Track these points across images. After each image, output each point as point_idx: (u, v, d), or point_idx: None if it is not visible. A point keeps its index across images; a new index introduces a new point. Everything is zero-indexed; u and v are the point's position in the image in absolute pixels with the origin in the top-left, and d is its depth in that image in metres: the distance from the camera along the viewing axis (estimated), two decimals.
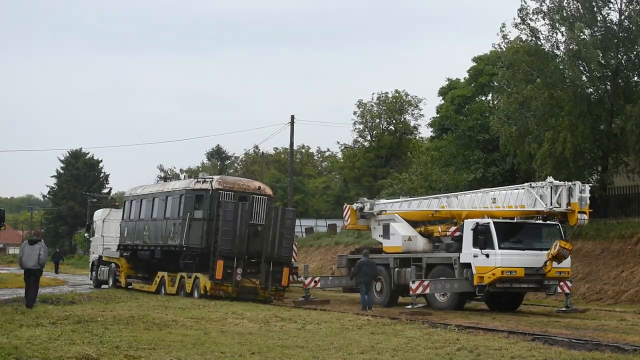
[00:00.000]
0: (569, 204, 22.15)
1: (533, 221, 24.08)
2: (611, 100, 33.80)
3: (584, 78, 33.35)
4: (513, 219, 24.05)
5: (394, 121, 68.32)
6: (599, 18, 33.67)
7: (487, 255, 22.78)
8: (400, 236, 26.62)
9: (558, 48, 34.64)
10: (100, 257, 36.73)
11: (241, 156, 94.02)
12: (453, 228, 25.32)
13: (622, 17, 33.47)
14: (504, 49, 36.59)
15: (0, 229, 24.26)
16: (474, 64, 48.59)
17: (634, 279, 28.79)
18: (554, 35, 34.68)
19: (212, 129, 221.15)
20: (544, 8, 34.38)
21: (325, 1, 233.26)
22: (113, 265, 34.71)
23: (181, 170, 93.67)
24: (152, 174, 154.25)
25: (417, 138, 67.21)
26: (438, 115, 50.63)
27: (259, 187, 29.44)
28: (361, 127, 68.95)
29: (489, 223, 23.04)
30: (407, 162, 55.22)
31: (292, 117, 53.32)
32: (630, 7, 33.11)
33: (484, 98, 46.76)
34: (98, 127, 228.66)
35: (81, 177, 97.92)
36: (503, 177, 39.07)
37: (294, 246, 30.69)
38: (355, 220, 29.14)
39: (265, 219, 26.83)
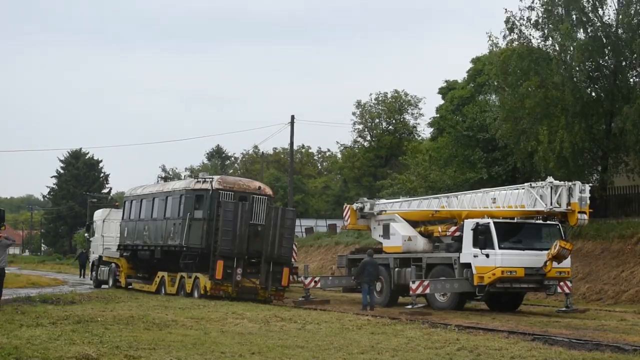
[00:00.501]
0: (569, 204, 22.15)
1: (533, 221, 24.09)
2: (609, 100, 33.81)
3: (574, 79, 33.28)
4: (513, 219, 24.06)
5: (393, 121, 68.36)
6: (594, 19, 33.67)
7: (487, 255, 22.78)
8: (400, 236, 26.61)
9: (553, 50, 34.60)
10: (100, 257, 36.74)
11: (241, 156, 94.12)
12: (453, 228, 25.32)
13: (619, 16, 33.47)
14: (497, 51, 36.62)
15: (0, 229, 24.22)
16: (472, 65, 48.61)
17: (634, 279, 28.79)
18: (547, 40, 34.74)
19: (212, 129, 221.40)
20: (534, 15, 34.46)
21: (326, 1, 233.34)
22: (113, 265, 34.71)
23: (185, 169, 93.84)
24: (153, 174, 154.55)
25: (416, 138, 67.24)
26: (438, 115, 50.66)
27: (259, 187, 29.44)
28: (361, 127, 69.04)
29: (489, 223, 23.04)
30: (406, 162, 55.20)
31: (292, 117, 53.47)
32: (626, 8, 33.05)
33: (483, 97, 46.72)
34: (98, 127, 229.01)
35: (81, 177, 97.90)
36: (506, 176, 39.04)
37: (294, 246, 30.68)
38: (355, 220, 29.14)
39: (265, 219, 26.83)
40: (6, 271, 22.41)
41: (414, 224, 27.36)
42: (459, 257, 23.72)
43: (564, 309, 23.65)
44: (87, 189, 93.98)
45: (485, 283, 22.83)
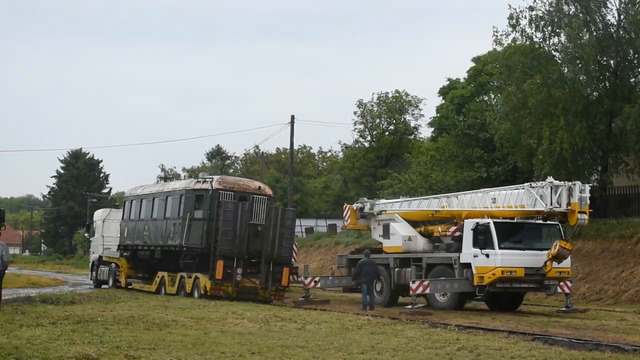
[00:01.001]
0: (569, 204, 22.15)
1: (533, 221, 24.08)
2: (610, 100, 33.81)
3: (581, 78, 33.31)
4: (513, 219, 24.05)
5: (394, 121, 68.34)
6: (597, 19, 33.68)
7: (487, 255, 22.78)
8: (400, 236, 26.61)
9: (556, 50, 34.63)
10: (100, 257, 36.72)
11: (241, 156, 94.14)
12: (453, 228, 25.31)
13: (621, 17, 33.48)
14: (501, 50, 36.61)
15: (0, 229, 24.22)
16: (474, 64, 48.63)
17: (634, 279, 28.80)
18: (551, 38, 34.74)
19: (212, 128, 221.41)
20: (537, 13, 34.43)
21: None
22: (113, 265, 34.70)
23: (184, 169, 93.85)
24: (152, 174, 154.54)
25: (417, 138, 67.26)
26: (438, 115, 50.68)
27: (259, 187, 29.43)
28: (361, 127, 69.02)
29: (489, 223, 23.04)
30: (407, 162, 55.22)
31: (292, 117, 53.48)
32: (629, 7, 33.06)
33: (484, 97, 46.78)
34: (98, 127, 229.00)
35: (81, 177, 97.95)
36: (505, 176, 39.02)
37: (294, 246, 30.68)
38: (355, 220, 29.13)
39: (265, 219, 26.83)
40: (6, 271, 22.36)
41: (414, 224, 27.35)
42: (459, 257, 23.71)
43: (564, 309, 23.65)
44: (87, 189, 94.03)
45: (485, 283, 22.83)
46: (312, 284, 27.75)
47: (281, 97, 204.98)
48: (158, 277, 30.30)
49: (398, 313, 22.02)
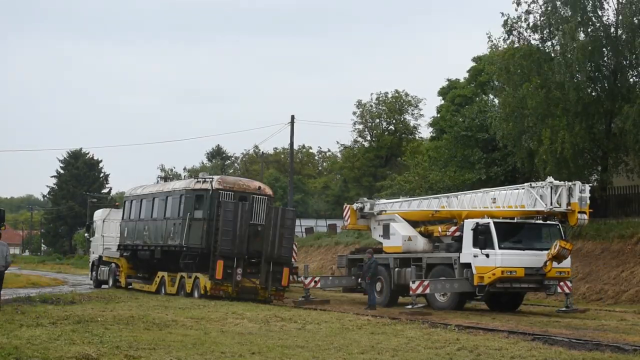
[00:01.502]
0: (569, 203, 22.15)
1: (533, 221, 24.08)
2: (609, 100, 33.81)
3: (578, 78, 33.29)
4: (513, 219, 24.05)
5: (393, 121, 68.35)
6: (594, 20, 33.69)
7: (487, 255, 22.78)
8: (400, 236, 26.61)
9: (554, 52, 34.60)
10: (100, 257, 36.72)
11: (241, 156, 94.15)
12: (453, 228, 25.31)
13: (618, 17, 33.48)
14: (499, 50, 36.66)
15: (0, 229, 24.22)
16: (474, 63, 48.62)
17: (634, 279, 28.80)
18: (549, 40, 34.74)
19: (212, 128, 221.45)
20: (531, 18, 34.52)
21: None
22: (113, 265, 34.71)
23: (184, 169, 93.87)
24: (152, 174, 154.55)
25: (416, 138, 67.25)
26: (438, 115, 50.65)
27: (259, 187, 29.43)
28: (361, 127, 69.03)
29: (489, 223, 23.04)
30: (405, 163, 55.20)
31: (292, 117, 53.54)
32: (626, 7, 33.04)
33: (484, 97, 46.78)
34: (98, 127, 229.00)
35: (81, 177, 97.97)
36: (505, 177, 39.03)
37: (294, 246, 30.68)
38: (355, 220, 29.14)
39: (265, 219, 26.83)
40: (6, 271, 22.34)
41: (414, 224, 27.35)
42: (459, 257, 23.71)
43: (564, 309, 23.65)
44: (87, 189, 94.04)
45: (485, 283, 22.82)
46: (312, 284, 27.77)
47: (281, 97, 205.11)
48: (158, 277, 30.30)
49: (398, 313, 22.03)
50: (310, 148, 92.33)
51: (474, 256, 23.10)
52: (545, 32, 34.60)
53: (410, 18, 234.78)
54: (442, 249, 25.54)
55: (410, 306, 23.01)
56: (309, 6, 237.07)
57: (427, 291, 23.54)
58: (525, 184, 23.63)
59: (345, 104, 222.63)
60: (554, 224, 23.44)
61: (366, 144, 69.29)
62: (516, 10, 35.04)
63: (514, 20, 34.99)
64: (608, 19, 34.00)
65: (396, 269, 26.09)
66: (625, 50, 33.60)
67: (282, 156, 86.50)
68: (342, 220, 31.12)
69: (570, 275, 24.65)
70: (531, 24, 34.68)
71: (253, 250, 26.73)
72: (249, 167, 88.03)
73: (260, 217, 26.89)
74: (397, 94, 67.75)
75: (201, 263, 27.47)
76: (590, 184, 25.50)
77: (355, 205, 29.04)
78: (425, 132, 71.71)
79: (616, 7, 33.69)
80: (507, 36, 35.22)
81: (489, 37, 36.23)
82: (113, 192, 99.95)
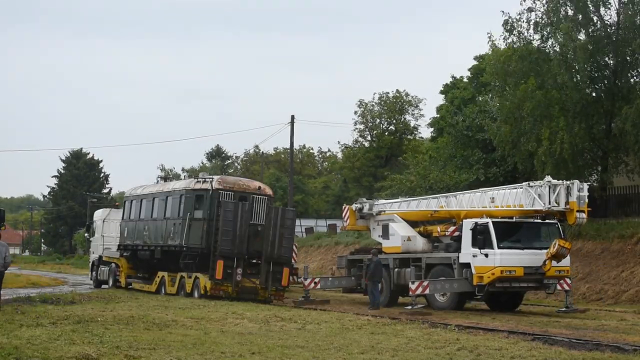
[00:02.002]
0: (567, 202, 22.19)
1: (532, 220, 24.08)
2: (609, 100, 33.81)
3: (578, 78, 33.30)
4: (512, 218, 24.04)
5: (394, 121, 68.36)
6: (595, 19, 33.69)
7: (486, 255, 22.78)
8: (400, 236, 26.59)
9: (555, 51, 34.59)
10: (100, 257, 36.72)
11: (241, 156, 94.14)
12: (452, 228, 25.30)
13: (619, 17, 33.48)
14: (498, 50, 36.67)
15: (0, 229, 24.22)
16: (476, 62, 48.58)
17: (634, 279, 28.80)
18: (549, 39, 34.72)
19: (212, 128, 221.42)
20: (533, 16, 34.49)
21: None
22: (113, 265, 34.71)
23: (183, 169, 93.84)
24: (152, 174, 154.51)
25: (416, 138, 67.25)
26: (438, 116, 50.63)
27: (259, 187, 29.44)
28: (362, 127, 69.03)
29: (487, 223, 23.04)
30: (406, 162, 55.20)
31: (292, 117, 53.51)
32: (628, 7, 33.05)
33: (485, 97, 46.77)
34: (98, 127, 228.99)
35: (81, 177, 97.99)
36: (504, 177, 39.02)
37: (294, 246, 30.68)
38: (355, 221, 29.10)
39: (265, 219, 26.83)
40: (6, 271, 22.35)
41: (413, 224, 27.34)
42: (458, 257, 23.71)
43: (564, 309, 23.64)
44: (87, 189, 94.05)
45: (484, 283, 22.82)
46: (312, 285, 27.73)
47: (281, 97, 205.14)
48: (158, 277, 30.31)
49: (398, 313, 22.03)
50: (311, 148, 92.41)
51: (473, 256, 23.10)
52: (546, 31, 34.55)
53: (410, 18, 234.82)
54: (441, 249, 25.54)
55: (410, 306, 23.00)
56: (309, 6, 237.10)
57: (427, 291, 23.54)
58: (524, 183, 23.66)
59: (346, 104, 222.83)
60: (552, 223, 23.44)
61: (366, 144, 69.31)
62: (521, 4, 35.01)
63: (515, 19, 34.95)
64: (610, 18, 34.07)
65: (396, 269, 26.08)
66: (625, 50, 33.60)
67: (283, 156, 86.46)
68: (342, 221, 31.10)
69: (570, 274, 24.61)
70: (532, 22, 34.64)
71: (253, 250, 26.73)
72: (249, 167, 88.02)
73: (260, 217, 26.89)
74: (398, 94, 67.77)
75: (201, 263, 27.48)
76: (590, 184, 25.49)
77: (354, 206, 29.02)
78: (425, 132, 71.80)
79: (617, 7, 33.72)
80: (507, 35, 35.20)
81: (490, 37, 36.26)
82: (113, 192, 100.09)
